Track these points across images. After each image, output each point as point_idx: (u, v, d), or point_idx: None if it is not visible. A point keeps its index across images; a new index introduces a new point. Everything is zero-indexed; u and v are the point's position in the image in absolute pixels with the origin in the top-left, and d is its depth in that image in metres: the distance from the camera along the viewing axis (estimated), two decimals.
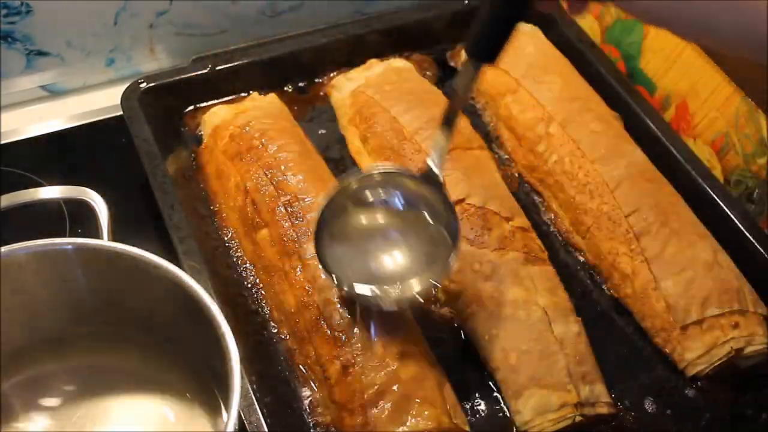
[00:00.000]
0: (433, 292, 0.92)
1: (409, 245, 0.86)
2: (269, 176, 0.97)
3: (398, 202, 0.87)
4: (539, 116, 1.06)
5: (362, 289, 0.83)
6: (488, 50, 0.78)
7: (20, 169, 1.06)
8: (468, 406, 0.88)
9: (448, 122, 0.84)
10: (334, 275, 0.83)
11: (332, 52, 1.16)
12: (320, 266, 0.85)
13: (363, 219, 0.87)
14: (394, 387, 0.82)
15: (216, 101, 1.12)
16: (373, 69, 1.12)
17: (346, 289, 0.84)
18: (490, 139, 1.11)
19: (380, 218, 0.88)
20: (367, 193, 0.87)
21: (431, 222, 0.86)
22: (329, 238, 0.85)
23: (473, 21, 0.77)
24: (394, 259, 0.86)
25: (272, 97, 1.10)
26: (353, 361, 0.83)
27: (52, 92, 1.20)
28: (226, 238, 0.99)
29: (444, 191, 0.86)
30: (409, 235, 0.86)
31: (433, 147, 0.85)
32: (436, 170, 0.85)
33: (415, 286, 0.84)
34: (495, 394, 0.89)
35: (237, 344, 0.70)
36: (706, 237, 0.96)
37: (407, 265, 0.85)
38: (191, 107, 1.12)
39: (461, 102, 0.84)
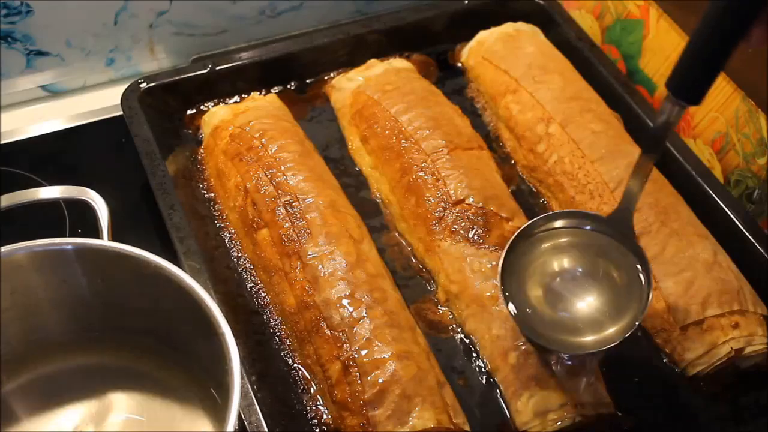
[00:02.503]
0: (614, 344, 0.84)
1: (595, 294, 0.84)
2: (269, 176, 0.97)
3: (586, 248, 0.86)
4: (539, 116, 1.06)
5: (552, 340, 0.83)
6: (692, 90, 0.74)
7: (20, 169, 1.06)
8: (468, 406, 0.88)
9: (640, 169, 0.81)
10: (524, 327, 0.83)
11: (332, 52, 1.16)
12: (511, 314, 0.83)
13: (551, 263, 0.86)
14: (394, 387, 0.82)
15: (216, 101, 1.12)
16: (373, 69, 1.12)
17: (534, 339, 0.83)
18: (490, 139, 1.11)
19: (568, 263, 0.86)
20: (554, 237, 0.86)
21: (618, 270, 0.84)
22: (516, 280, 0.84)
23: (680, 58, 0.72)
24: (580, 308, 0.84)
25: (272, 97, 1.10)
26: (353, 361, 0.84)
27: (52, 92, 1.20)
28: (226, 239, 0.99)
29: (634, 239, 0.83)
30: (595, 283, 0.85)
31: (625, 195, 0.83)
32: (630, 217, 0.82)
33: (601, 338, 0.82)
34: (495, 394, 0.89)
35: (237, 344, 0.70)
36: (706, 237, 0.96)
37: (593, 315, 0.83)
38: (191, 107, 1.12)
39: (659, 145, 0.80)
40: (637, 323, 0.81)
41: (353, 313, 0.86)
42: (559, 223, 0.87)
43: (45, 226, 0.99)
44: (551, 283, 0.85)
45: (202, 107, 1.12)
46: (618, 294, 0.84)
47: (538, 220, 0.87)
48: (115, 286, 0.79)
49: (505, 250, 0.85)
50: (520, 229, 0.86)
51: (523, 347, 0.88)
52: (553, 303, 0.85)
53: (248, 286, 0.96)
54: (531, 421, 0.86)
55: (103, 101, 1.17)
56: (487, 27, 1.18)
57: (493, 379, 0.90)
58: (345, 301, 0.87)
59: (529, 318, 0.84)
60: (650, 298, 0.81)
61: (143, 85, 1.08)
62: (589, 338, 0.83)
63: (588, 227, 0.86)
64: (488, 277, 0.92)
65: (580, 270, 0.86)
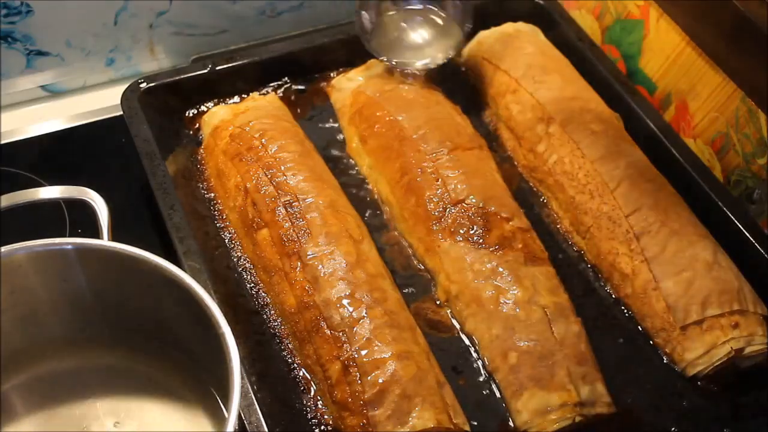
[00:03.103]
0: (448, 59, 1.11)
1: (431, 28, 1.11)
2: (269, 176, 0.97)
3: None
4: (539, 116, 1.06)
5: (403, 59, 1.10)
6: None
7: (20, 169, 1.07)
8: (468, 406, 0.88)
9: None
10: (383, 57, 1.09)
11: (332, 52, 1.16)
12: (368, 49, 1.08)
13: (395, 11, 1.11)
14: (394, 387, 0.82)
15: (216, 101, 1.12)
16: (373, 69, 1.12)
17: (392, 62, 1.09)
18: (490, 139, 1.11)
19: (407, 13, 1.11)
20: None
21: (445, 12, 1.11)
22: (371, 29, 1.09)
23: None
24: (421, 38, 1.11)
25: (272, 97, 1.10)
26: (353, 361, 0.84)
27: (52, 92, 1.20)
28: (226, 239, 0.99)
29: None
30: (431, 21, 1.11)
31: None
32: None
33: (439, 54, 1.10)
34: (495, 394, 0.89)
35: (237, 344, 0.70)
36: (706, 237, 0.96)
37: (431, 42, 1.11)
38: (191, 107, 1.12)
39: None
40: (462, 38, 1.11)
41: (353, 313, 0.86)
42: None
43: (45, 226, 0.99)
44: (400, 24, 1.11)
45: (202, 107, 1.12)
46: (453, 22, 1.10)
47: None
48: (115, 286, 0.79)
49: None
50: None
51: (523, 347, 0.88)
52: (406, 37, 1.11)
53: (248, 286, 0.96)
54: (531, 421, 0.86)
55: (103, 101, 1.18)
56: (487, 27, 1.18)
57: (493, 379, 0.90)
58: (345, 301, 0.87)
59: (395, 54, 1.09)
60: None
61: (143, 85, 1.08)
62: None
63: None
64: (488, 277, 0.92)
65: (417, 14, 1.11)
